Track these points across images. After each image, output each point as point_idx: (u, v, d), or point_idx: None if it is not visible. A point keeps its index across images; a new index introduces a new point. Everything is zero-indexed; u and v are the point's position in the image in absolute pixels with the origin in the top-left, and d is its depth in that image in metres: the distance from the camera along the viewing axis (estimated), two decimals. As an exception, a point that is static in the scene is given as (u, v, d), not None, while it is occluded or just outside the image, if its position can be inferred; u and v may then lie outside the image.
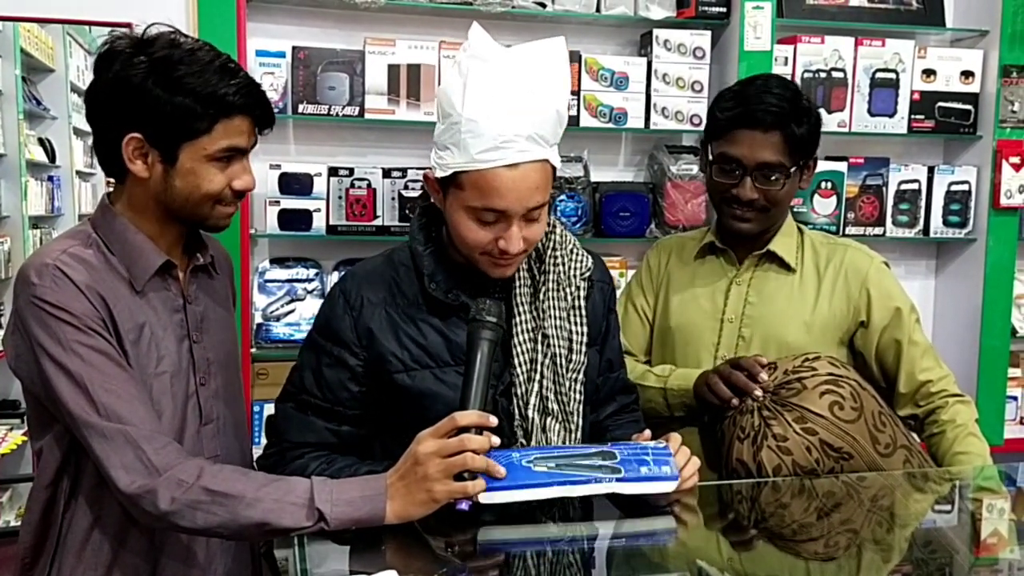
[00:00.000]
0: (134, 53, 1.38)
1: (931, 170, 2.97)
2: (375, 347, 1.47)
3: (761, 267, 1.84)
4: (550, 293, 1.51)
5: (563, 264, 1.53)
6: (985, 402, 2.89)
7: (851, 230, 2.91)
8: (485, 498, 1.29)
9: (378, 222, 2.59)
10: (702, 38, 2.73)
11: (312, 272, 2.66)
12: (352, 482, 1.32)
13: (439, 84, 2.57)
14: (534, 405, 1.47)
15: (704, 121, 2.38)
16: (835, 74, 2.84)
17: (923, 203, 2.98)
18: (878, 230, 2.94)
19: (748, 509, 1.57)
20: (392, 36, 2.58)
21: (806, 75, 2.81)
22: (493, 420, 1.31)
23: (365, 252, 2.68)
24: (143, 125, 1.38)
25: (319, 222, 2.56)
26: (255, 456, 1.64)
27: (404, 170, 2.60)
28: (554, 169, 1.42)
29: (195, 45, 1.41)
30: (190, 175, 1.40)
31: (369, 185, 2.57)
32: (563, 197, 2.66)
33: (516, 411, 1.48)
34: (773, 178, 1.74)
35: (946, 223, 2.99)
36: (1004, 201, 2.91)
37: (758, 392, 1.60)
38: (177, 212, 1.44)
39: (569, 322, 1.52)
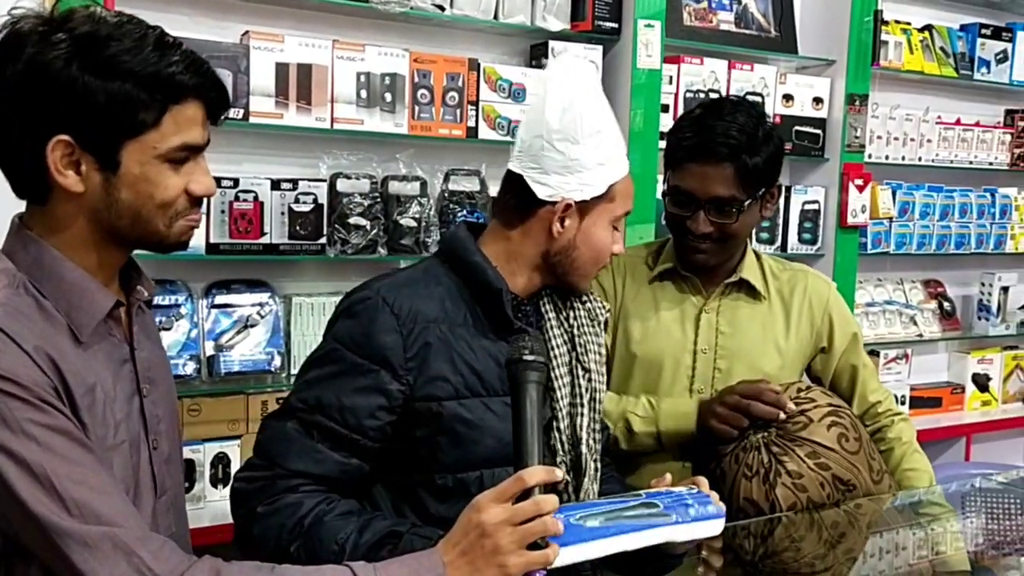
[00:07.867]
0: (48, 31, 1.07)
1: (788, 190, 3.14)
2: (426, 370, 1.32)
3: (729, 295, 1.82)
4: (584, 328, 1.48)
5: (591, 301, 1.52)
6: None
7: (722, 246, 3.00)
8: (559, 560, 1.14)
9: (265, 239, 2.30)
10: (594, 53, 2.69)
11: (181, 297, 2.32)
12: (400, 563, 1.12)
13: (332, 88, 2.33)
14: (586, 440, 1.42)
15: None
16: (712, 95, 2.91)
17: (781, 221, 3.14)
18: (745, 246, 3.06)
19: (757, 545, 1.54)
20: (279, 31, 2.30)
21: (688, 95, 2.86)
22: (559, 474, 1.16)
23: (246, 273, 2.40)
24: (71, 124, 1.07)
25: (197, 239, 2.21)
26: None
27: (295, 182, 2.33)
28: None
29: (120, 18, 1.11)
30: (140, 182, 1.11)
31: (256, 198, 2.28)
32: (463, 213, 2.52)
33: (559, 447, 1.41)
34: (726, 211, 1.70)
35: (800, 240, 3.17)
36: (851, 219, 3.13)
37: (783, 416, 1.57)
38: (125, 233, 1.14)
39: (600, 357, 1.50)
